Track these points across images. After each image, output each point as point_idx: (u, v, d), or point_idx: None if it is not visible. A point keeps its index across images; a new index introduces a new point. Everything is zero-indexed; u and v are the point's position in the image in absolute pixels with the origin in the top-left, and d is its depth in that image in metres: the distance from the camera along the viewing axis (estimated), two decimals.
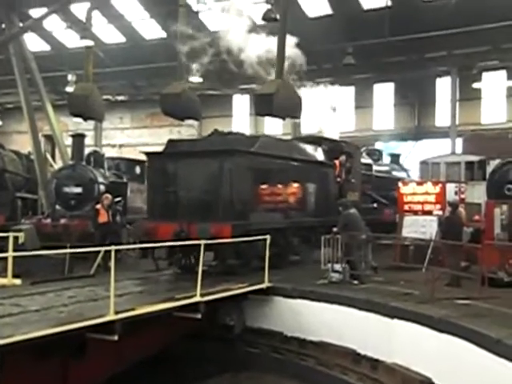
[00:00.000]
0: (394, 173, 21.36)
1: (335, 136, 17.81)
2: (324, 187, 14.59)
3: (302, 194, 13.73)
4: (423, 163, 19.32)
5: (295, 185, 13.49)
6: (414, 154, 25.87)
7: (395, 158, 23.02)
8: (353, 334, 9.43)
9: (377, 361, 8.93)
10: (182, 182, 11.73)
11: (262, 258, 11.76)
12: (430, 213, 13.57)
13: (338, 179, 15.19)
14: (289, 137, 22.40)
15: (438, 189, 13.79)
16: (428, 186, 14.01)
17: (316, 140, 15.68)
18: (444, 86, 25.33)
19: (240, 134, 13.47)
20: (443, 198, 13.62)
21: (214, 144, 12.39)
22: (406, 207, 14.06)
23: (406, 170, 22.58)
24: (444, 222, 12.06)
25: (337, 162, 15.23)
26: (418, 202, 13.97)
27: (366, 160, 18.85)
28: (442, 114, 25.50)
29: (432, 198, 13.75)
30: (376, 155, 20.80)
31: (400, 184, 14.95)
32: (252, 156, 12.01)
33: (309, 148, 14.70)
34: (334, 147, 15.62)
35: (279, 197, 12.92)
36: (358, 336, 9.36)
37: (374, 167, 19.33)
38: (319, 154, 14.92)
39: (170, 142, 12.95)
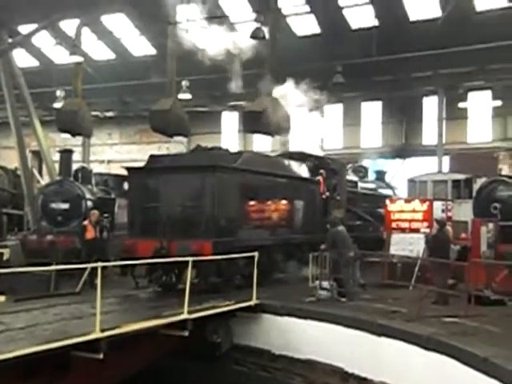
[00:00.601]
0: (380, 190, 21.40)
1: (320, 152, 17.78)
2: (309, 204, 14.48)
3: (287, 211, 13.62)
4: (411, 181, 19.47)
5: (279, 201, 13.35)
6: (401, 171, 26.05)
7: (381, 175, 22.97)
8: (341, 352, 9.39)
9: (365, 379, 8.88)
10: (163, 197, 11.53)
11: (245, 276, 11.72)
12: (417, 230, 13.64)
13: (324, 196, 15.15)
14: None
15: (425, 206, 13.88)
16: (415, 204, 14.09)
17: (301, 156, 15.57)
18: (431, 105, 25.60)
19: (223, 150, 13.37)
20: (430, 215, 13.70)
21: (196, 159, 12.22)
22: (394, 225, 14.12)
23: (391, 188, 22.61)
24: (431, 240, 12.07)
25: (320, 178, 15.18)
26: (406, 220, 14.03)
27: (351, 177, 18.86)
28: (429, 133, 25.73)
29: (419, 216, 13.83)
30: (362, 172, 20.82)
31: (387, 201, 15.03)
32: (234, 172, 11.85)
33: (293, 164, 14.60)
34: (319, 164, 15.55)
35: (263, 214, 12.73)
36: (345, 354, 9.32)
37: (360, 184, 19.33)
38: (304, 171, 14.84)
39: (152, 157, 12.77)
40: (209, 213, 11.11)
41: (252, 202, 12.44)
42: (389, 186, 22.57)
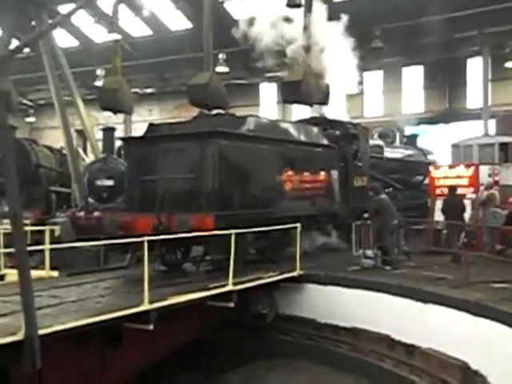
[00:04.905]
0: (410, 155, 20.17)
1: (348, 118, 16.55)
2: (325, 172, 13.36)
3: (300, 180, 12.35)
4: (455, 146, 18.95)
5: (291, 170, 12.05)
6: (444, 137, 25.39)
7: (412, 139, 21.73)
8: (387, 320, 9.38)
9: (412, 346, 8.87)
10: (162, 169, 10.61)
11: (258, 251, 11.49)
12: (463, 196, 13.34)
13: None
14: None
15: (470, 171, 13.55)
16: (460, 169, 13.77)
17: (319, 121, 14.39)
18: (475, 67, 24.76)
19: (228, 115, 12.25)
20: (476, 180, 13.38)
21: (196, 126, 11.21)
22: (438, 191, 13.85)
23: (424, 152, 21.31)
24: (443, 205, 12.35)
25: None
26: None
27: (376, 142, 17.83)
28: (474, 96, 24.95)
29: (465, 181, 13.52)
30: (389, 137, 19.80)
31: (431, 168, 14.74)
32: (238, 138, 10.83)
33: (309, 130, 13.30)
34: (338, 129, 14.52)
35: (271, 184, 11.59)
36: (392, 322, 9.30)
37: (386, 149, 18.13)
38: (321, 137, 13.57)
39: (151, 125, 11.94)
40: (210, 184, 10.16)
41: (258, 172, 11.28)
42: (421, 151, 21.25)
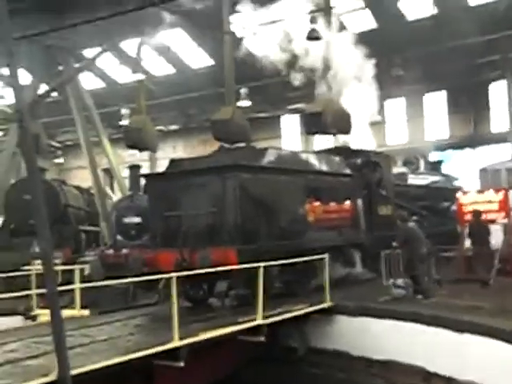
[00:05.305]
0: (435, 182, 20.00)
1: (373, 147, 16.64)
2: (350, 201, 13.21)
3: (323, 211, 12.21)
4: (483, 171, 18.69)
5: (313, 201, 11.95)
6: (471, 161, 25.09)
7: (435, 165, 21.72)
8: (421, 352, 9.13)
9: (449, 379, 8.60)
10: (183, 204, 10.62)
11: (285, 283, 11.26)
12: (493, 221, 13.11)
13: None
14: None
15: (500, 196, 13.33)
16: (489, 194, 13.57)
17: (341, 151, 14.34)
18: (500, 90, 24.61)
19: (248, 148, 12.29)
20: (507, 205, 13.15)
21: (217, 160, 11.21)
22: (467, 217, 13.63)
23: (449, 178, 21.10)
24: (470, 230, 12.59)
25: None
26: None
27: (400, 169, 17.80)
28: (500, 119, 24.73)
29: (495, 206, 13.30)
30: (413, 164, 19.80)
31: (459, 194, 14.55)
32: (259, 171, 10.85)
33: (330, 159, 13.33)
34: (360, 157, 14.33)
35: (294, 215, 11.49)
36: (427, 353, 9.05)
37: (411, 176, 18.10)
38: (343, 166, 13.54)
39: (172, 161, 12.02)
40: (232, 218, 10.13)
41: (280, 204, 11.17)
42: (446, 177, 21.03)
